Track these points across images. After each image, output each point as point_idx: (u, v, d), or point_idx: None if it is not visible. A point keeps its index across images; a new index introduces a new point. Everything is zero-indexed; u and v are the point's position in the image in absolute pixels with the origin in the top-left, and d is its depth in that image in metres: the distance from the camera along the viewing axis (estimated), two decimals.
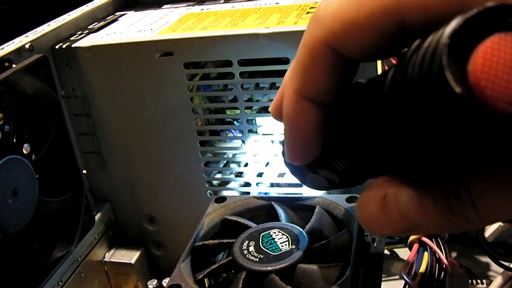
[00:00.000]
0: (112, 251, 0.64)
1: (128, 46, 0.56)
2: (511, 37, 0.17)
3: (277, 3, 0.62)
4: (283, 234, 0.39)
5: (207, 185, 0.61)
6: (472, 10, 0.18)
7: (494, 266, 0.55)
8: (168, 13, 0.66)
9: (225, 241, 0.41)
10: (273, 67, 0.52)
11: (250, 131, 0.57)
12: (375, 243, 0.43)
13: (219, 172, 0.61)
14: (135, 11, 0.70)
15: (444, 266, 0.47)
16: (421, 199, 0.21)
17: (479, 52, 0.17)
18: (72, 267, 0.57)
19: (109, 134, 0.61)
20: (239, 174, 0.60)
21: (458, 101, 0.17)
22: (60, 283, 0.54)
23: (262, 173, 0.58)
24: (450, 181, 0.20)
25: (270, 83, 0.55)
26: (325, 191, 0.54)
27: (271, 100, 0.36)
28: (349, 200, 0.43)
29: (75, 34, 0.61)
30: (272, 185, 0.59)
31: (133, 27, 0.61)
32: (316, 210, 0.42)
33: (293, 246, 0.38)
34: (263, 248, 0.38)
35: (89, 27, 0.64)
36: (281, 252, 0.38)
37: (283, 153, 0.32)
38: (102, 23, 0.65)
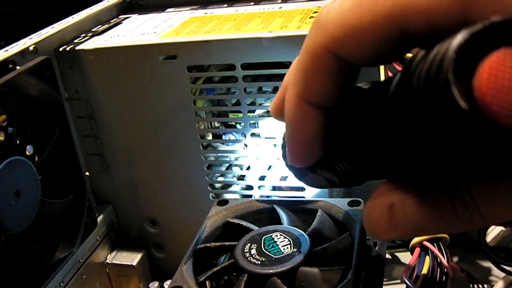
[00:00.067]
0: (114, 253, 0.64)
1: (132, 49, 0.56)
2: None
3: (280, 8, 0.62)
4: (285, 237, 0.39)
5: (209, 188, 0.61)
6: (478, 24, 0.18)
7: (495, 270, 0.55)
8: (172, 16, 0.66)
9: (227, 243, 0.41)
10: (276, 71, 0.52)
11: (253, 134, 0.57)
12: (377, 247, 0.43)
13: (221, 175, 0.61)
14: (139, 14, 0.71)
15: (445, 270, 0.47)
16: (428, 207, 0.22)
17: (484, 67, 0.17)
18: (74, 268, 0.57)
19: (112, 136, 0.61)
20: (241, 177, 0.60)
21: (463, 116, 0.17)
22: (62, 285, 0.54)
23: (265, 176, 0.58)
24: (454, 186, 0.21)
25: (273, 87, 0.55)
26: (327, 195, 0.54)
27: None
28: (351, 204, 0.43)
29: (79, 36, 0.61)
30: (274, 188, 0.59)
31: (136, 30, 0.61)
32: (318, 213, 0.42)
33: (295, 249, 0.38)
34: (265, 251, 0.38)
35: (93, 30, 0.65)
36: (282, 255, 0.38)
37: (283, 157, 0.32)
38: (106, 26, 0.65)
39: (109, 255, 0.64)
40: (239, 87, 0.54)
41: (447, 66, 0.17)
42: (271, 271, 0.36)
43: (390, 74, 0.52)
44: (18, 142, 0.47)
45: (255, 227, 0.42)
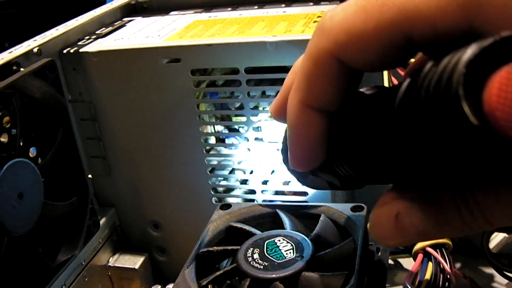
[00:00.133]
0: (116, 256, 0.64)
1: (136, 52, 0.56)
2: None
3: (284, 12, 0.62)
4: (287, 242, 0.39)
5: (212, 192, 0.61)
6: (488, 38, 0.18)
7: (498, 277, 0.54)
8: (176, 19, 0.66)
9: (229, 248, 0.41)
10: (279, 75, 0.52)
11: (256, 138, 0.57)
12: (380, 253, 0.43)
13: (224, 179, 0.61)
14: (143, 17, 0.71)
15: (448, 276, 0.47)
16: (433, 213, 0.22)
17: (494, 82, 0.17)
18: (76, 271, 0.57)
19: (115, 139, 0.61)
20: (244, 182, 0.60)
21: (472, 129, 0.17)
22: (64, 287, 0.54)
23: (267, 181, 0.58)
24: (458, 192, 0.21)
25: (276, 91, 0.55)
26: (330, 200, 0.54)
27: None
28: (354, 209, 0.43)
29: (83, 39, 0.62)
30: (277, 192, 0.59)
31: (140, 33, 0.61)
32: (320, 218, 0.42)
33: (298, 254, 0.38)
34: (267, 255, 0.38)
35: (97, 32, 0.65)
36: (285, 260, 0.38)
37: (284, 161, 0.32)
38: (110, 28, 0.66)
39: (111, 258, 0.64)
40: (242, 91, 0.54)
41: (457, 81, 0.18)
42: (273, 275, 0.36)
43: (393, 78, 0.52)
44: (21, 144, 0.47)
45: (257, 232, 0.42)
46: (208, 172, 0.60)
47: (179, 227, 0.64)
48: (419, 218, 0.22)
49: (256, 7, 0.67)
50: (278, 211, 0.44)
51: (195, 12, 0.69)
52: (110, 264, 0.63)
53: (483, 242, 0.53)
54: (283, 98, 0.29)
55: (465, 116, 0.17)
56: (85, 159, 0.62)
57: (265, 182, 0.58)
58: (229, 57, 0.53)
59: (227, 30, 0.57)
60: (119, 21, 0.70)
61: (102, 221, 0.61)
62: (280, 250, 0.39)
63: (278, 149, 0.57)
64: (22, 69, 0.49)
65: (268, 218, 0.45)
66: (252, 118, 0.55)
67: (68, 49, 0.58)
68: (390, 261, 0.61)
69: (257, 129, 0.57)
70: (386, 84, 0.51)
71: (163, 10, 0.73)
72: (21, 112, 0.46)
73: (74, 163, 0.54)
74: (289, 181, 0.57)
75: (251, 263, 0.38)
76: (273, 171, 0.58)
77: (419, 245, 0.50)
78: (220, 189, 0.61)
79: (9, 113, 0.45)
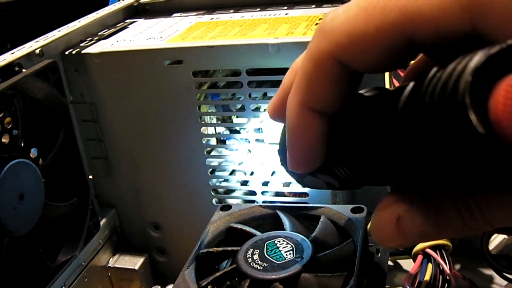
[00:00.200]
0: (116, 257, 0.64)
1: (138, 53, 0.56)
2: None
3: (286, 14, 0.62)
4: (287, 243, 0.39)
5: (212, 193, 0.61)
6: (494, 46, 0.18)
7: (497, 278, 0.54)
8: (178, 21, 0.66)
9: (229, 249, 0.41)
10: (281, 77, 0.51)
11: (257, 140, 0.57)
12: (379, 254, 0.43)
13: (224, 180, 0.61)
14: (145, 19, 0.71)
15: (447, 278, 0.47)
16: (434, 216, 0.22)
17: (500, 90, 0.17)
18: (76, 271, 0.57)
19: (116, 140, 0.61)
20: (244, 183, 0.60)
21: (477, 137, 0.17)
22: (64, 287, 0.54)
23: (268, 182, 0.59)
24: (459, 195, 0.21)
25: None
26: (330, 201, 0.54)
27: None
28: (354, 210, 0.43)
29: (85, 40, 0.62)
30: (277, 194, 0.59)
31: (142, 35, 0.62)
32: (320, 219, 0.42)
33: (297, 255, 0.38)
34: (267, 256, 0.38)
35: (99, 33, 0.65)
36: (285, 261, 0.38)
37: (282, 162, 0.32)
38: (112, 30, 0.66)
39: (111, 259, 0.64)
40: (244, 93, 0.54)
41: (463, 89, 0.17)
42: (273, 276, 0.36)
43: (394, 80, 0.52)
44: (22, 144, 0.47)
45: (258, 233, 0.42)
46: (209, 173, 0.60)
47: (179, 228, 0.64)
48: (420, 220, 0.22)
49: (258, 9, 0.68)
50: (278, 212, 0.44)
51: (197, 14, 0.70)
52: (110, 264, 0.63)
53: (483, 243, 0.53)
54: (281, 98, 0.29)
55: (471, 125, 0.17)
56: (86, 160, 0.62)
57: (265, 183, 0.59)
58: (230, 59, 0.53)
59: (229, 32, 0.57)
60: (122, 23, 0.70)
61: (102, 222, 0.61)
62: (280, 251, 0.39)
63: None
64: (24, 70, 0.49)
65: (268, 219, 0.45)
66: (253, 120, 0.55)
67: (70, 50, 0.58)
68: (390, 262, 0.61)
69: (258, 130, 0.57)
70: (387, 85, 0.51)
71: (165, 12, 0.73)
72: (22, 113, 0.46)
73: (75, 164, 0.54)
74: (290, 183, 0.57)
75: (251, 264, 0.38)
76: (273, 173, 0.59)
77: (419, 246, 0.50)
78: (221, 190, 0.61)
79: (11, 114, 0.46)
